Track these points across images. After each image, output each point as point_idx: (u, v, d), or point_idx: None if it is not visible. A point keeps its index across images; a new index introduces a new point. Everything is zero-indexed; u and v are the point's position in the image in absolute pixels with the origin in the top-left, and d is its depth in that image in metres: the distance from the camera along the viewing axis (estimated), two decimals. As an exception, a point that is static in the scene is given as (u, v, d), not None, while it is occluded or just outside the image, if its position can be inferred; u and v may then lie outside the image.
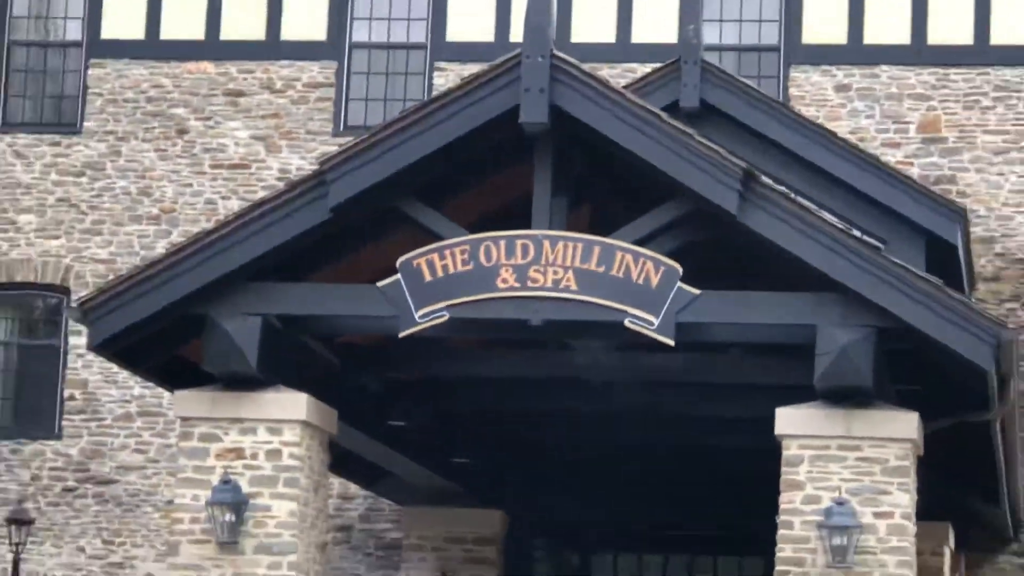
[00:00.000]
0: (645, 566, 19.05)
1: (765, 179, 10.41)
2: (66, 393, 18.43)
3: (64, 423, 18.28)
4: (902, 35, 17.19)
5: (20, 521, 17.37)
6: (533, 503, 17.64)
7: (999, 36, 16.84)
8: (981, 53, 17.21)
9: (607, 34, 18.10)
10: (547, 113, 9.95)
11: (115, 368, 15.88)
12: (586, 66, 10.51)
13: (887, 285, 9.95)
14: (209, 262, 10.59)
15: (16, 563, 17.66)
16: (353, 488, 17.72)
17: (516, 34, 14.51)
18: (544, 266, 10.22)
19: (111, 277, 14.18)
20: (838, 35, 17.23)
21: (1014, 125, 17.07)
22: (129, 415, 18.41)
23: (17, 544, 17.42)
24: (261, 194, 15.10)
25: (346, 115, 17.57)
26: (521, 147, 10.47)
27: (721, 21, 17.68)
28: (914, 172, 16.22)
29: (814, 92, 17.15)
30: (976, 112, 16.96)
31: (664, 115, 10.83)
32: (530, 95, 10.01)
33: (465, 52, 17.48)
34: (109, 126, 18.04)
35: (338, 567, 17.77)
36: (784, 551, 10.41)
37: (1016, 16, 17.08)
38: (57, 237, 18.36)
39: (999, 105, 17.03)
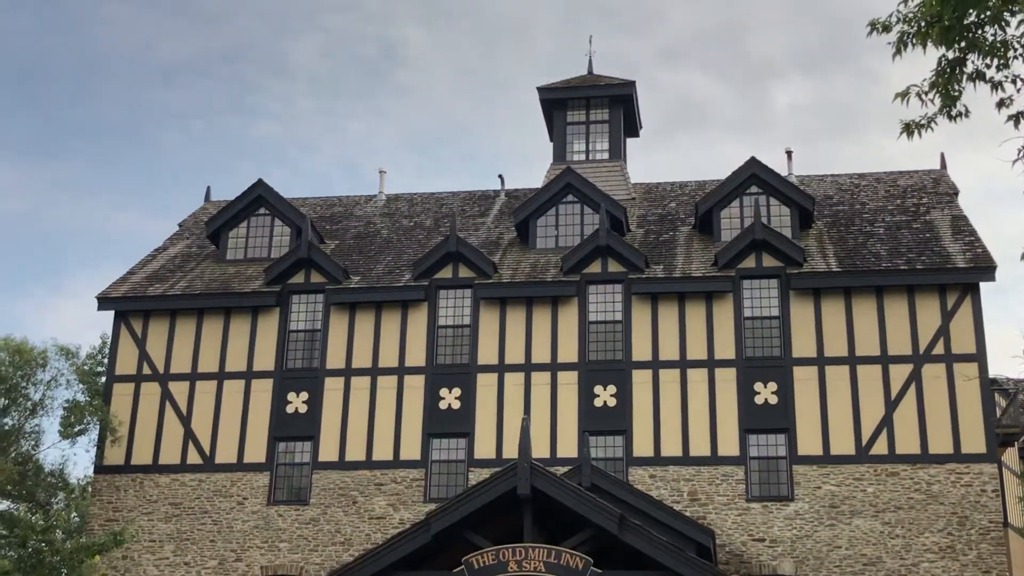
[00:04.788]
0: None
1: (629, 519, 18.10)
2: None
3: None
4: (676, 450, 24.02)
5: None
6: None
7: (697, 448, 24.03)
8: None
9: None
10: (529, 488, 17.71)
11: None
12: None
13: (686, 565, 17.52)
14: (372, 563, 18.06)
15: None
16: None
17: (510, 451, 22.94)
18: (529, 560, 17.52)
19: None
20: (648, 451, 23.91)
21: (730, 490, 23.60)
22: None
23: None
24: (394, 531, 22.50)
25: (428, 494, 24.03)
26: (517, 503, 18.04)
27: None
28: (687, 513, 22.98)
29: (638, 479, 23.81)
30: (712, 486, 23.54)
31: (579, 487, 18.27)
32: (522, 481, 17.80)
33: (482, 462, 24.23)
34: (324, 499, 24.59)
35: None
36: None
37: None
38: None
39: (724, 481, 23.51)
